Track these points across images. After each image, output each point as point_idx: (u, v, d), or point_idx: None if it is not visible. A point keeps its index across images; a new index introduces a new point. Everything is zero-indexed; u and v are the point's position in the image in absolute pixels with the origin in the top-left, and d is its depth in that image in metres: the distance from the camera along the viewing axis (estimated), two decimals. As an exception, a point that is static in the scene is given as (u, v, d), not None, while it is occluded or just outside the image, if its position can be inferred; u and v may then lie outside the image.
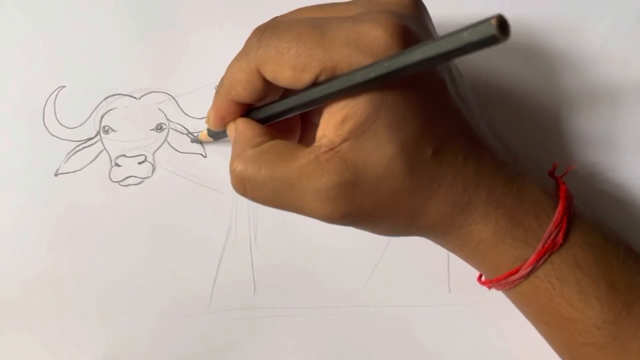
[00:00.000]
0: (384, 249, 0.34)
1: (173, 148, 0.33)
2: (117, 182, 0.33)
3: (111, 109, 0.33)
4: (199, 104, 0.33)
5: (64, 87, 0.33)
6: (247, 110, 0.27)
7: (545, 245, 0.26)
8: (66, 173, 0.33)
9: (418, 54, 0.20)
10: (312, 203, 0.24)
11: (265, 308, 0.34)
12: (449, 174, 0.24)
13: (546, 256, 0.26)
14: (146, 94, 0.33)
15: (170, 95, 0.33)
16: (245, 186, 0.25)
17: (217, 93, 0.27)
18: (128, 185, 0.33)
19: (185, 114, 0.33)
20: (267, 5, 0.34)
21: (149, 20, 0.33)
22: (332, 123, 0.23)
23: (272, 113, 0.26)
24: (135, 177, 0.33)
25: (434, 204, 0.25)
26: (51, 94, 0.33)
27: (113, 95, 0.33)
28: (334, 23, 0.23)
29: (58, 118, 0.33)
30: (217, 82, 0.34)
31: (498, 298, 0.34)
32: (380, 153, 0.23)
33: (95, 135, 0.33)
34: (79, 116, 0.33)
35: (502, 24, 0.18)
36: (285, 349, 0.34)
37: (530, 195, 0.26)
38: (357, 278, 0.34)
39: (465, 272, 0.34)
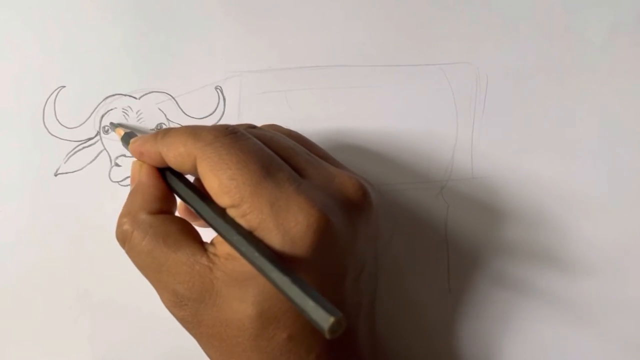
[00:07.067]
0: (384, 249, 0.34)
1: (173, 148, 0.33)
2: (117, 182, 0.33)
3: (111, 109, 0.33)
4: (199, 104, 0.33)
5: (64, 87, 0.33)
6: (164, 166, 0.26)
7: None
8: (66, 173, 0.33)
9: (281, 281, 0.21)
10: (164, 295, 0.25)
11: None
12: None
13: None
14: (146, 94, 0.33)
15: (170, 95, 0.33)
16: (125, 244, 0.26)
17: (155, 135, 0.26)
18: (128, 185, 0.33)
19: (185, 114, 0.33)
20: (267, 5, 0.34)
21: (149, 20, 0.33)
22: (224, 249, 0.24)
23: (181, 194, 0.26)
24: (135, 177, 0.33)
25: None
26: (51, 94, 0.33)
27: (113, 95, 0.33)
28: (284, 183, 0.24)
29: (58, 118, 0.33)
30: (217, 82, 0.34)
31: (498, 298, 0.34)
32: (241, 306, 0.24)
33: (95, 135, 0.33)
34: (79, 116, 0.33)
35: (333, 328, 0.19)
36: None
37: None
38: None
39: (465, 272, 0.34)
